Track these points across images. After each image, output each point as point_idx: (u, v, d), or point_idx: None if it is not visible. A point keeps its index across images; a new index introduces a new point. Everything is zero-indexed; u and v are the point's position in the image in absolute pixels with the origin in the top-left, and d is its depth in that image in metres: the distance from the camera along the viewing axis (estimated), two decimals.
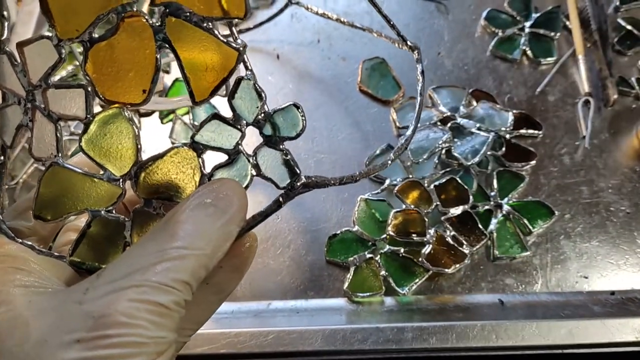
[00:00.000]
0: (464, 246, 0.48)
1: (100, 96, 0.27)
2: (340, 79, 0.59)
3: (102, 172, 0.28)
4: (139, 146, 0.28)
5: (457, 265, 0.47)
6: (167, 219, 0.26)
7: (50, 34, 0.26)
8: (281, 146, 0.28)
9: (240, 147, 0.28)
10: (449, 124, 0.53)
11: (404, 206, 0.50)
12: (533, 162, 0.53)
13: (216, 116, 0.28)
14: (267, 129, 0.28)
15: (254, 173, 0.29)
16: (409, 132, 0.35)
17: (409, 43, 0.41)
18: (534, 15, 0.61)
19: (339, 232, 0.49)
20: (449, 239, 0.48)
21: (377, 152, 0.54)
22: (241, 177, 0.29)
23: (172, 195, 0.29)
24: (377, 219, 0.49)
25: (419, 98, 0.38)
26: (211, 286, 0.29)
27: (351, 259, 0.48)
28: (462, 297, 0.47)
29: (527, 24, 0.61)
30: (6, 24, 0.33)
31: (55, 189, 0.28)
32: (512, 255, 0.48)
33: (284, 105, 0.28)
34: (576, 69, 0.58)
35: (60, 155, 0.28)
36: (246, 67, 0.28)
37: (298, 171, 0.28)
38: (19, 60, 0.28)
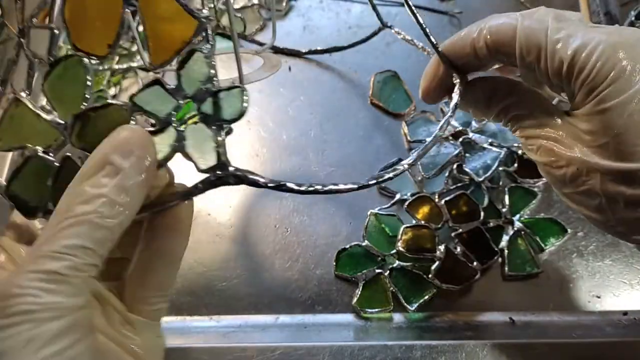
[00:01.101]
0: (475, 263, 0.47)
1: (73, 43, 0.28)
2: (352, 91, 0.59)
3: (55, 113, 0.29)
4: (87, 96, 0.28)
5: (468, 283, 0.47)
6: (69, 187, 0.27)
7: None
8: (214, 127, 0.27)
9: (172, 118, 0.28)
10: (460, 139, 0.53)
11: (414, 221, 0.49)
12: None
13: (158, 82, 0.28)
14: (208, 107, 0.27)
15: (177, 148, 0.28)
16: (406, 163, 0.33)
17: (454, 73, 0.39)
18: None
19: (348, 246, 0.49)
20: (459, 256, 0.48)
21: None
22: (163, 147, 0.28)
23: None
24: (387, 234, 0.49)
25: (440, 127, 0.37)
26: (153, 251, 0.29)
27: (360, 274, 0.47)
28: (473, 315, 0.46)
29: None
30: None
31: (13, 122, 0.29)
32: (524, 273, 0.47)
33: (230, 86, 0.27)
34: None
35: (28, 91, 0.29)
36: (207, 41, 0.27)
37: (224, 158, 0.27)
38: None
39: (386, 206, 0.51)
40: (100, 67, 0.57)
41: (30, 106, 0.29)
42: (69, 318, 0.25)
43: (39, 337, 0.24)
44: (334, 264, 0.48)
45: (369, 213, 0.50)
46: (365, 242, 0.49)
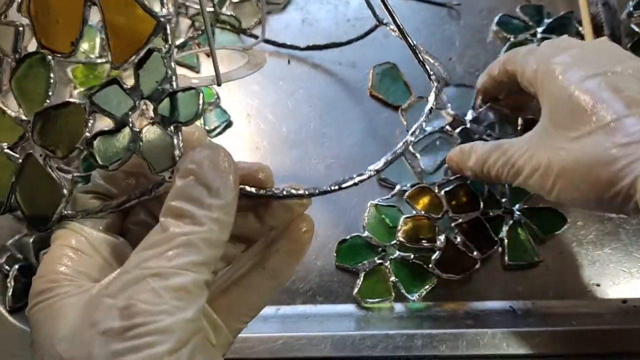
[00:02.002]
0: (475, 253, 0.48)
1: (38, 40, 0.28)
2: (351, 84, 0.59)
3: (19, 109, 0.29)
4: (50, 94, 0.28)
5: (468, 272, 0.47)
6: (166, 205, 0.26)
7: None
8: (170, 129, 0.27)
9: (129, 118, 0.28)
10: (458, 130, 0.53)
11: (414, 212, 0.49)
12: None
13: (116, 81, 0.28)
14: (165, 108, 0.27)
15: (132, 148, 0.27)
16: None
17: (432, 77, 0.39)
18: (547, 21, 0.61)
19: (348, 237, 0.49)
20: (459, 246, 0.48)
21: (389, 157, 0.53)
22: (118, 149, 0.28)
23: (54, 149, 0.28)
24: (387, 225, 0.49)
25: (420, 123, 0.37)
26: (267, 271, 0.29)
27: (361, 264, 0.48)
28: (473, 304, 0.47)
29: (540, 29, 0.60)
30: None
31: None
32: (523, 262, 0.48)
33: (186, 87, 0.27)
34: None
35: None
36: (165, 41, 0.27)
37: (177, 160, 0.27)
38: None
39: (386, 197, 0.51)
40: (99, 60, 0.57)
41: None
42: (198, 337, 0.25)
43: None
44: (335, 255, 0.49)
45: (369, 204, 0.50)
46: (366, 233, 0.49)
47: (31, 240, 0.49)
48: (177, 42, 0.60)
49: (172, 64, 0.27)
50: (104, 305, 0.24)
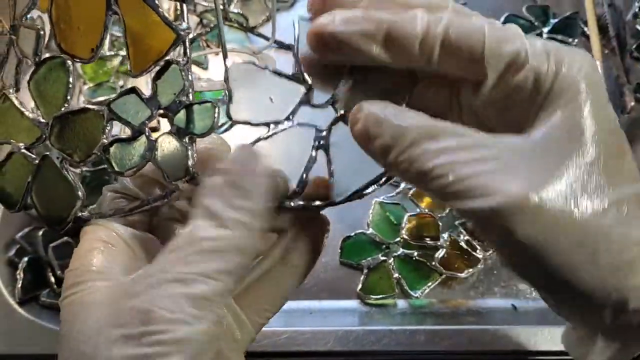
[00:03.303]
0: (478, 251, 0.48)
1: (58, 44, 0.29)
2: None
3: (38, 112, 0.30)
4: (68, 98, 0.29)
5: (471, 270, 0.47)
6: (195, 205, 0.26)
7: None
8: (185, 140, 0.28)
9: (145, 127, 0.28)
10: None
11: (418, 210, 0.50)
12: None
13: (134, 90, 0.28)
14: (181, 120, 0.28)
15: (147, 157, 0.28)
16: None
17: None
18: (552, 21, 0.61)
19: (353, 234, 0.49)
20: (462, 244, 0.48)
21: None
22: (134, 157, 0.28)
23: (71, 153, 0.29)
24: (392, 222, 0.50)
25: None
26: (288, 267, 0.29)
27: (365, 261, 0.48)
28: (475, 301, 0.47)
29: (545, 29, 0.61)
30: None
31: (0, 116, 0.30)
32: None
33: (202, 101, 0.28)
34: None
35: (15, 88, 0.30)
36: (185, 54, 0.27)
37: (192, 171, 0.27)
38: None
39: (391, 195, 0.51)
40: (108, 53, 0.58)
41: (16, 103, 0.30)
42: (217, 346, 0.25)
43: None
44: (339, 251, 0.49)
45: (373, 202, 0.51)
46: (370, 230, 0.49)
47: (40, 233, 0.49)
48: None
49: (190, 76, 0.27)
50: (127, 308, 0.24)
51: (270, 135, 0.29)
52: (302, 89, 0.29)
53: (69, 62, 0.29)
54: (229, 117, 0.28)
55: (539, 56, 0.25)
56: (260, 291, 0.29)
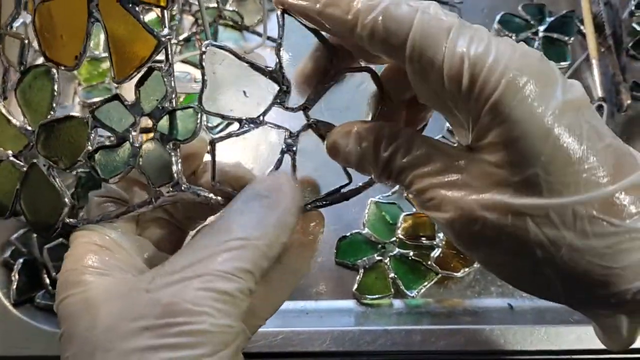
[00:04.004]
0: None
1: (43, 52, 0.29)
2: None
3: (23, 119, 0.30)
4: (54, 105, 0.29)
5: (467, 269, 0.47)
6: (226, 211, 0.27)
7: None
8: (169, 146, 0.28)
9: (129, 134, 0.28)
10: None
11: (414, 209, 0.50)
12: None
13: (117, 97, 0.28)
14: (164, 126, 0.28)
15: (132, 163, 0.28)
16: None
17: None
18: (548, 20, 0.61)
19: (348, 234, 0.49)
20: None
21: None
22: (119, 163, 0.29)
23: (57, 161, 0.29)
24: (387, 222, 0.50)
25: None
26: (284, 265, 0.30)
27: (361, 261, 0.48)
28: (471, 301, 0.47)
29: (541, 28, 0.60)
30: None
31: None
32: None
33: (185, 107, 0.28)
34: (590, 74, 0.58)
35: (3, 96, 0.31)
36: (167, 59, 0.28)
37: (176, 177, 0.28)
38: None
39: (386, 194, 0.51)
40: (103, 54, 0.58)
41: (4, 111, 0.30)
42: (237, 344, 0.26)
43: None
44: (335, 251, 0.49)
45: (369, 201, 0.51)
46: (366, 230, 0.49)
47: (35, 235, 0.49)
48: (181, 38, 0.60)
49: (172, 82, 0.28)
50: (147, 301, 0.25)
51: (242, 132, 0.29)
52: (276, 88, 0.29)
53: (54, 70, 0.29)
54: (201, 104, 0.28)
55: (455, 61, 0.25)
56: (258, 293, 0.29)
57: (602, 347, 0.42)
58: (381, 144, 0.28)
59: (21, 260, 0.48)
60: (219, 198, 0.29)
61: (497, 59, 0.24)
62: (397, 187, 0.51)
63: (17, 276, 0.48)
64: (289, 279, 0.30)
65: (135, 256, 0.29)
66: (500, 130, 0.24)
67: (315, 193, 0.30)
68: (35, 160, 0.30)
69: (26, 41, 0.30)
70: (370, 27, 0.26)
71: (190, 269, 0.25)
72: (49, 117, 0.29)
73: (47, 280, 0.48)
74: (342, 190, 0.31)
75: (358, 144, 0.28)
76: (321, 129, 0.30)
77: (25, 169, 0.30)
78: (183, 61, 0.59)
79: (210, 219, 0.32)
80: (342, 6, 0.26)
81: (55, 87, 0.29)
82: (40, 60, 0.30)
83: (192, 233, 0.34)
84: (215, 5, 0.60)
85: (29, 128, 0.30)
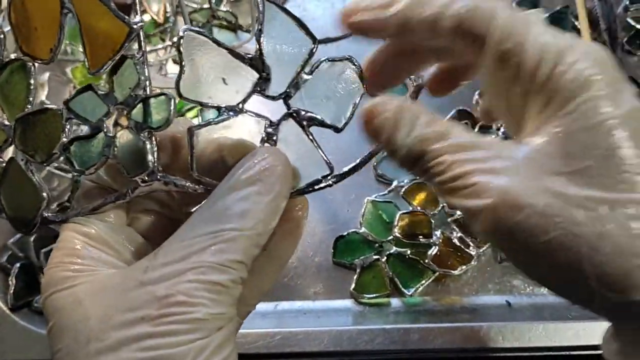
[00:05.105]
0: (471, 248, 0.48)
1: (20, 46, 0.29)
2: None
3: (2, 114, 0.30)
4: (30, 99, 0.29)
5: (464, 267, 0.47)
6: (214, 196, 0.27)
7: None
8: (143, 134, 0.27)
9: (103, 123, 0.28)
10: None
11: (410, 208, 0.50)
12: None
13: (90, 87, 0.28)
14: (138, 114, 0.27)
15: (107, 153, 0.28)
16: None
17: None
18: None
19: (345, 233, 0.49)
20: (455, 241, 0.48)
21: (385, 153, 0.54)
22: (94, 154, 0.28)
23: (33, 154, 0.29)
24: (384, 221, 0.50)
25: None
26: (269, 251, 0.29)
27: (358, 260, 0.48)
28: (469, 298, 0.47)
29: None
30: None
31: None
32: None
33: (157, 94, 0.27)
34: None
35: None
36: (140, 47, 0.27)
37: (152, 166, 0.27)
38: None
39: (383, 193, 0.51)
40: None
41: None
42: (230, 328, 0.26)
43: (208, 346, 0.25)
44: (332, 251, 0.49)
45: (365, 200, 0.50)
46: (363, 229, 0.49)
47: (32, 239, 0.49)
48: (175, 39, 0.60)
49: (146, 70, 0.27)
50: (143, 293, 0.25)
51: (221, 120, 0.28)
52: (256, 75, 0.28)
53: (30, 64, 0.29)
54: (179, 92, 0.27)
55: (535, 52, 0.25)
56: (246, 280, 0.29)
57: (600, 343, 0.43)
58: (419, 120, 0.27)
59: (18, 265, 0.48)
60: (197, 187, 0.28)
61: (579, 54, 0.25)
62: (393, 185, 0.51)
63: (14, 281, 0.48)
64: (275, 264, 0.31)
65: (123, 249, 0.30)
66: (564, 120, 0.24)
67: (295, 178, 0.30)
68: (13, 156, 0.30)
69: (1, 36, 0.30)
70: (455, 19, 0.27)
71: (183, 261, 0.25)
72: (25, 110, 0.29)
73: None
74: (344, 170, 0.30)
75: (398, 114, 0.27)
76: (302, 118, 0.29)
77: (4, 164, 0.30)
78: (176, 61, 0.59)
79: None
80: (424, 5, 0.27)
81: (32, 81, 0.29)
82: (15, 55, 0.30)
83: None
84: (208, 6, 0.60)
85: (7, 123, 0.30)
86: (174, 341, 0.24)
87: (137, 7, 0.27)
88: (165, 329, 0.24)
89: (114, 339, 0.25)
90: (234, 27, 0.62)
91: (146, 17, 0.61)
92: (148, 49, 0.60)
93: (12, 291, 0.47)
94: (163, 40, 0.61)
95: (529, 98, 0.26)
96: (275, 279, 0.31)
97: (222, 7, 0.61)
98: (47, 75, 0.56)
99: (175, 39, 0.59)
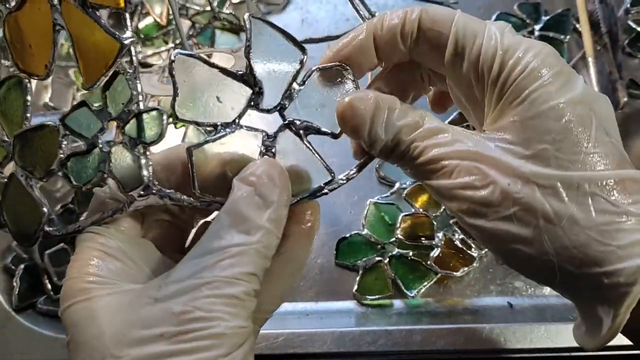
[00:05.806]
0: (473, 249, 0.48)
1: (15, 63, 0.29)
2: None
3: (1, 131, 0.30)
4: (28, 115, 0.29)
5: (466, 269, 0.48)
6: (221, 214, 0.28)
7: None
8: (137, 149, 0.28)
9: (98, 139, 0.29)
10: None
11: (413, 210, 0.50)
12: None
13: (85, 104, 0.29)
14: (132, 130, 0.28)
15: (102, 169, 0.28)
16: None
17: None
18: (544, 18, 0.61)
19: (348, 235, 0.50)
20: (457, 242, 0.48)
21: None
22: (90, 169, 0.29)
23: (32, 170, 0.29)
24: (387, 222, 0.50)
25: None
26: (283, 255, 0.30)
27: (360, 262, 0.48)
28: (471, 300, 0.47)
29: (537, 27, 0.61)
30: None
31: None
32: None
33: (150, 109, 0.28)
34: (586, 72, 0.58)
35: None
36: (131, 63, 0.28)
37: (147, 180, 0.27)
38: None
39: (385, 195, 0.52)
40: None
41: None
42: (249, 343, 0.27)
43: None
44: (335, 252, 0.49)
45: (368, 202, 0.51)
46: (365, 231, 0.49)
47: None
48: (177, 42, 0.61)
49: (138, 85, 0.28)
50: (158, 310, 0.25)
51: (218, 138, 0.29)
52: (249, 91, 0.29)
53: (26, 81, 0.29)
54: (175, 114, 0.28)
55: (489, 48, 0.28)
56: (261, 287, 0.29)
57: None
58: (395, 112, 0.29)
59: (22, 266, 0.48)
60: (193, 200, 0.29)
61: (526, 50, 0.28)
62: (395, 187, 0.52)
63: (18, 282, 0.48)
64: (290, 268, 0.31)
65: (138, 261, 0.30)
66: (519, 109, 0.27)
67: (301, 182, 0.30)
68: (14, 172, 0.30)
69: None
70: (415, 23, 0.30)
71: (196, 277, 0.26)
72: (23, 127, 0.29)
73: (49, 286, 0.48)
74: (339, 177, 0.31)
75: (374, 107, 0.29)
76: (298, 128, 0.30)
77: (5, 180, 0.30)
78: None
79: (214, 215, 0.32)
80: (382, 21, 0.30)
81: (28, 98, 0.29)
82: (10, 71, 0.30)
83: (193, 231, 0.34)
84: (209, 8, 0.61)
85: (6, 140, 0.30)
86: (195, 359, 0.24)
87: (128, 23, 0.27)
88: (186, 346, 0.24)
89: (130, 357, 0.25)
90: (236, 29, 0.62)
91: (149, 20, 0.62)
92: (150, 52, 0.60)
93: (16, 292, 0.48)
94: (166, 42, 0.61)
95: (487, 92, 0.29)
96: (292, 284, 0.31)
97: (224, 9, 0.62)
98: (50, 77, 0.56)
99: (178, 41, 0.60)
